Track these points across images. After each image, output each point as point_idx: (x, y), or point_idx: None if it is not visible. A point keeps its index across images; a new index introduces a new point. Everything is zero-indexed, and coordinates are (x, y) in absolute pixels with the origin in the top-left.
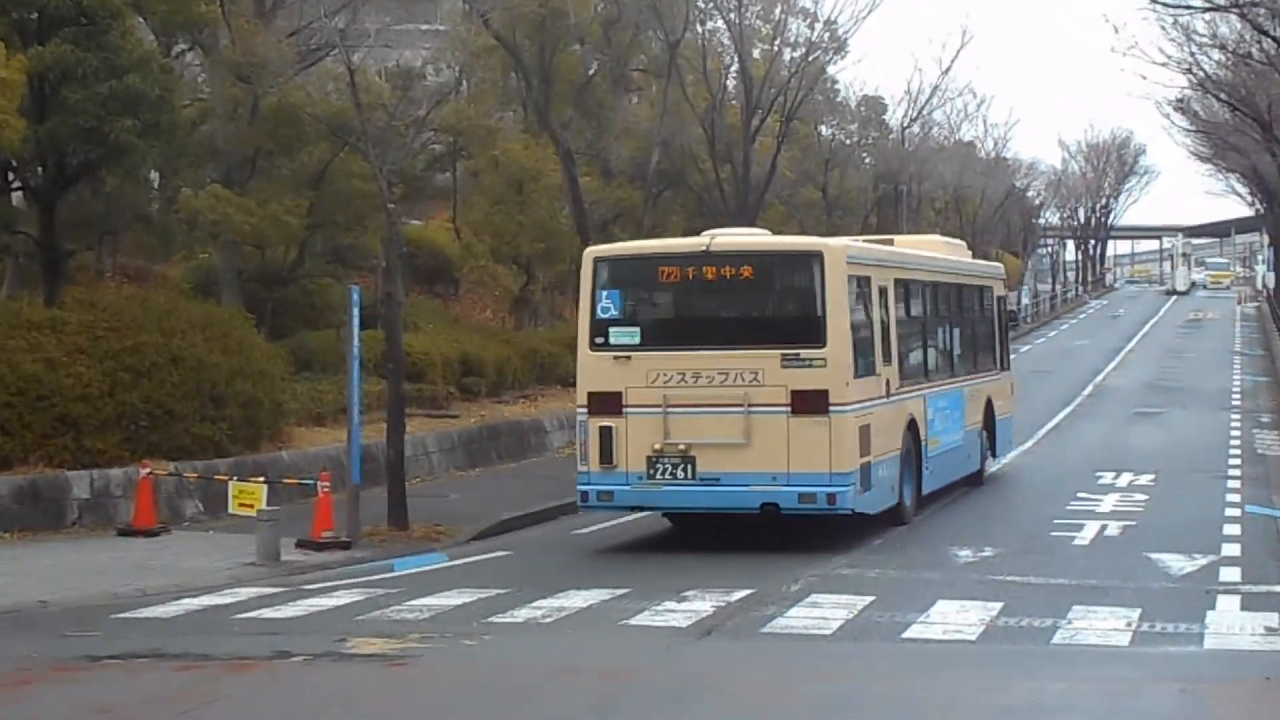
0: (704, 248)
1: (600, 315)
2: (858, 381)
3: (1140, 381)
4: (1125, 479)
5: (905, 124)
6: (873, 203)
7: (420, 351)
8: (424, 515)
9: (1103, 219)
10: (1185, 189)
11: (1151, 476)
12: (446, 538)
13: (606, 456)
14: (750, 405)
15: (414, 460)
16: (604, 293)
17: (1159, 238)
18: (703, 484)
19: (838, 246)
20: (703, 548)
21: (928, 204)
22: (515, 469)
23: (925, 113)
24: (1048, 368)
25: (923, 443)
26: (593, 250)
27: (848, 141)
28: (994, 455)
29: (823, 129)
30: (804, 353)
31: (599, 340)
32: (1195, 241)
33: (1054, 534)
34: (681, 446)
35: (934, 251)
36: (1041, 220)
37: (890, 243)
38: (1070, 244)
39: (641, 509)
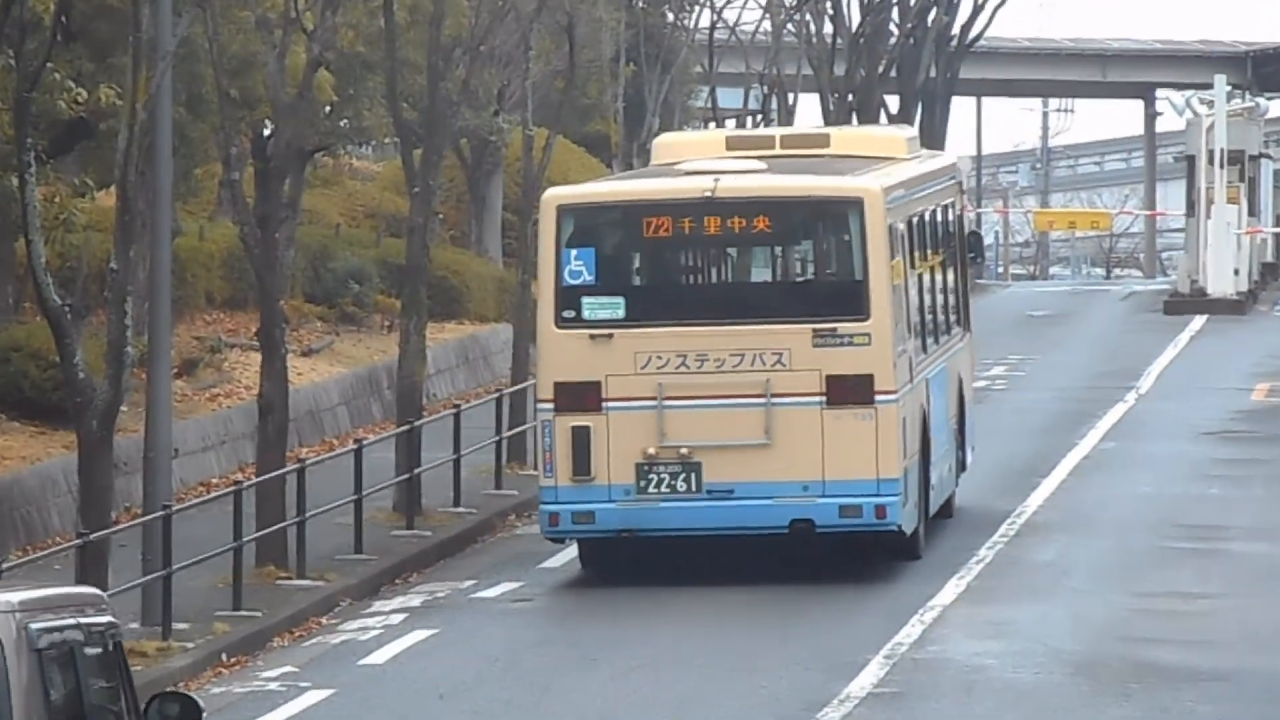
0: (706, 193)
1: (569, 281)
2: (899, 362)
3: None
4: None
5: None
6: None
7: None
8: None
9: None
10: None
11: None
12: None
13: (581, 466)
14: (773, 396)
15: None
16: (573, 252)
17: (1146, 95)
18: (711, 498)
19: (877, 189)
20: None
21: None
22: None
23: None
24: None
25: (930, 443)
26: (555, 195)
27: None
28: (964, 466)
29: None
30: (842, 327)
31: (568, 314)
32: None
33: None
34: (683, 450)
35: (898, 156)
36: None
37: (825, 142)
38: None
39: (631, 532)
